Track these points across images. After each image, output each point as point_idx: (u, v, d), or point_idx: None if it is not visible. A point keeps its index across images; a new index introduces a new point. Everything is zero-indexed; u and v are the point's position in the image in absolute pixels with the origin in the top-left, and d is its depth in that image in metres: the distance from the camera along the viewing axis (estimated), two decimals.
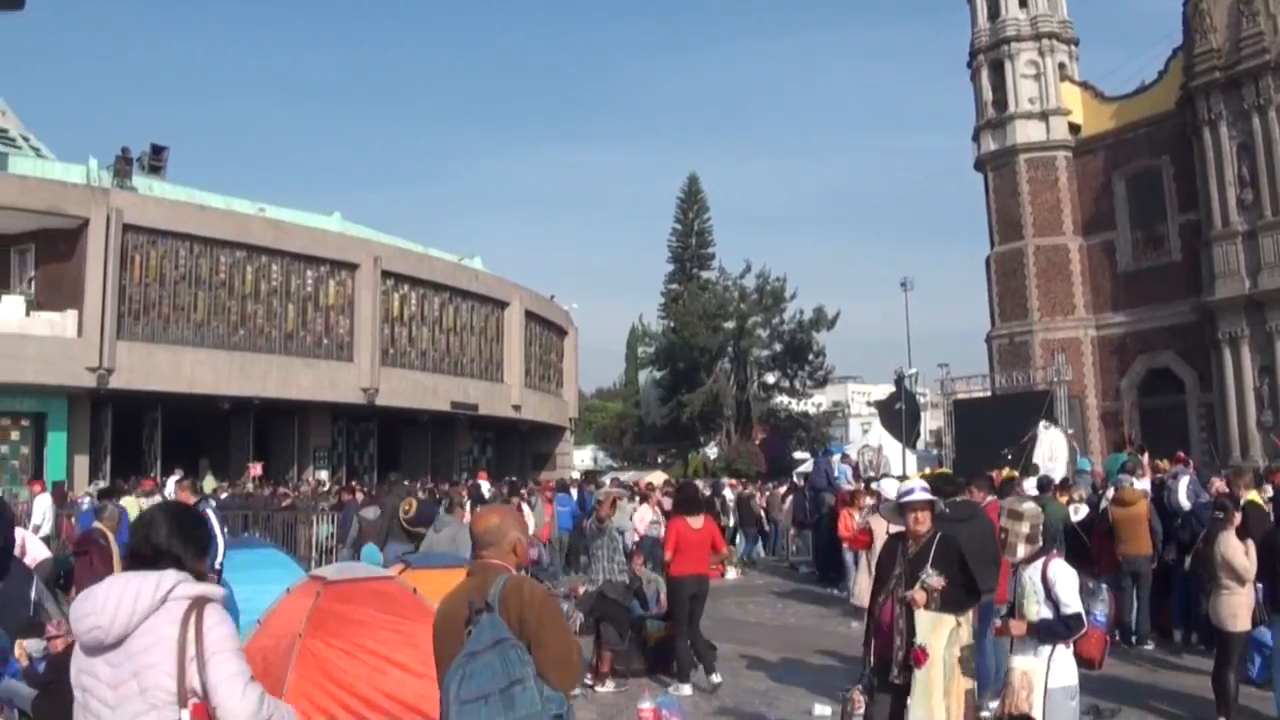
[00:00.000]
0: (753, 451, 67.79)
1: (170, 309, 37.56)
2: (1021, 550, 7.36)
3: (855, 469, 27.63)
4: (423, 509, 17.39)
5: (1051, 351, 46.25)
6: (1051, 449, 30.92)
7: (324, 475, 40.83)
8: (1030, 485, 18.24)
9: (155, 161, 40.90)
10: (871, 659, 7.80)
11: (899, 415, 39.64)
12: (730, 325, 72.63)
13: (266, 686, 7.59)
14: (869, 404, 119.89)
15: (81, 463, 35.62)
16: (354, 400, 42.01)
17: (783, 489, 33.44)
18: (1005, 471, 20.31)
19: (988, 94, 51.77)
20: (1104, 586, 8.02)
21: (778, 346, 74.64)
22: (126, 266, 36.34)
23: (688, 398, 72.73)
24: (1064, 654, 7.12)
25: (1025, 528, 7.37)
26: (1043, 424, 32.34)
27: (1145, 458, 21.66)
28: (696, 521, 12.67)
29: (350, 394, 41.63)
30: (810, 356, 74.68)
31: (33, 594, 12.24)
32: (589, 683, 12.07)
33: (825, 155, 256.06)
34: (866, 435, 50.11)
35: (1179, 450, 24.56)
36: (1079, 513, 16.07)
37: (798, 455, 67.56)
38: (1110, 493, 15.73)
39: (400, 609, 9.50)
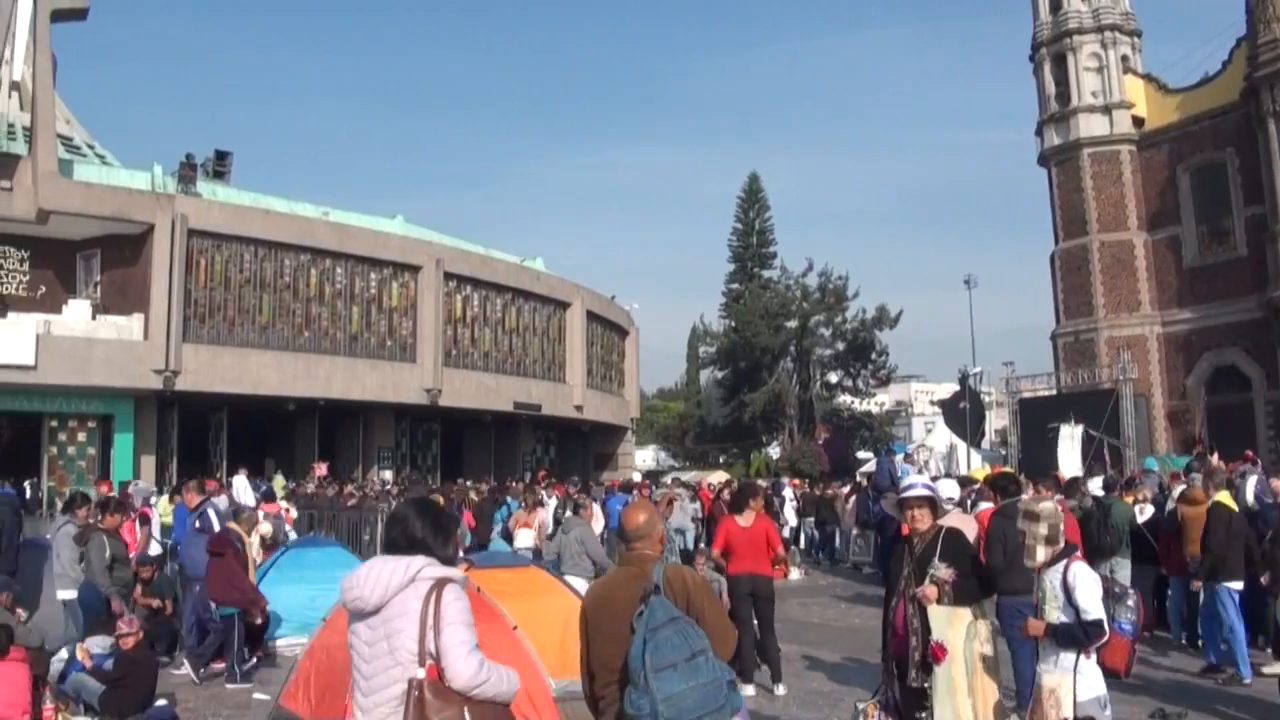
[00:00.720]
0: (815, 451, 67.15)
1: (235, 312, 37.90)
2: (1041, 553, 6.89)
3: (919, 469, 27.27)
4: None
5: (1117, 349, 45.39)
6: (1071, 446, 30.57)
7: (388, 475, 40.94)
8: (1096, 485, 17.83)
9: (219, 167, 41.20)
10: (893, 669, 7.41)
11: (963, 414, 39.04)
12: (792, 324, 72.10)
13: (329, 683, 8.89)
14: (933, 403, 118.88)
15: (148, 463, 35.94)
16: (417, 401, 42.11)
17: (845, 489, 33.06)
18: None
19: (1050, 88, 50.93)
20: (1132, 592, 7.20)
21: (840, 345, 73.97)
22: (192, 270, 36.72)
23: (750, 397, 72.28)
24: (1089, 664, 6.67)
25: (1043, 529, 6.88)
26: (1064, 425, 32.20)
27: (1215, 458, 21.15)
28: (745, 520, 12.33)
29: (414, 395, 41.73)
30: (873, 355, 73.92)
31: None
32: None
33: (887, 152, 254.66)
34: (930, 434, 49.41)
35: (1246, 449, 24.00)
36: (1144, 513, 15.64)
37: (861, 455, 66.87)
38: (1177, 492, 15.34)
39: None
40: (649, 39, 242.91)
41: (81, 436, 36.52)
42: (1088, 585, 6.64)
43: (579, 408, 50.02)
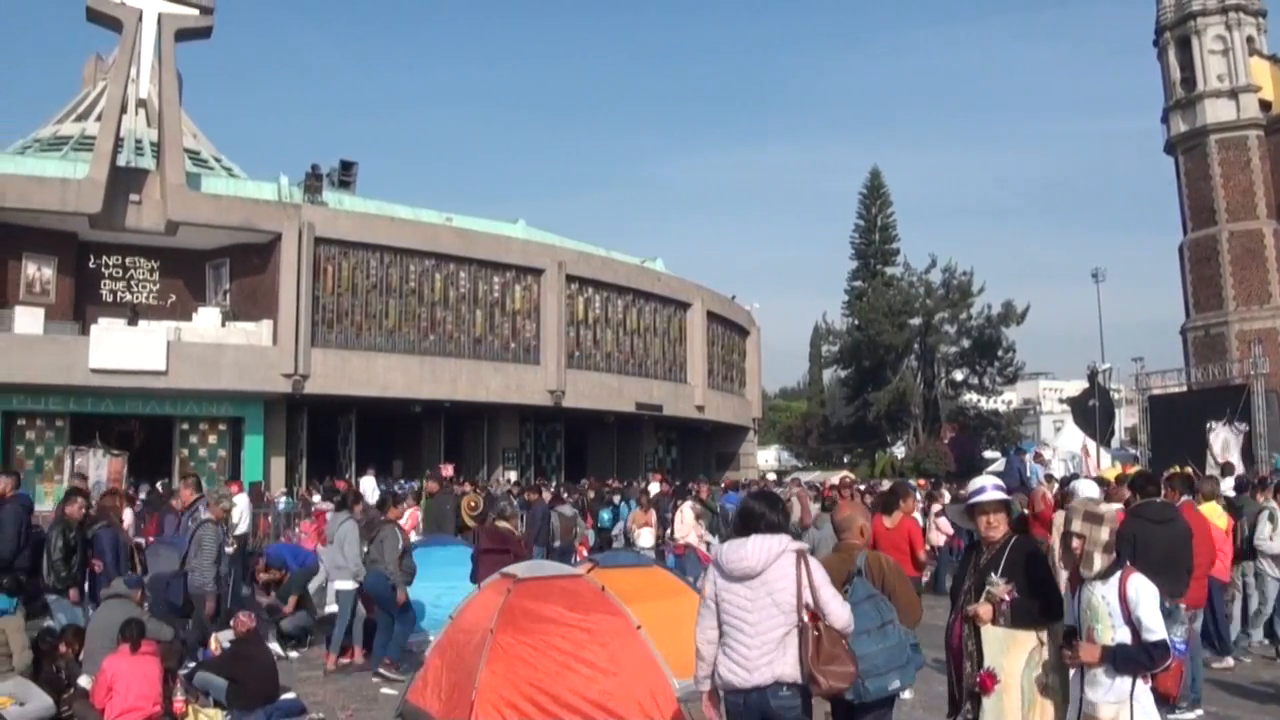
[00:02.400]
0: (941, 451, 65.86)
1: (362, 317, 38.35)
2: (1099, 562, 5.85)
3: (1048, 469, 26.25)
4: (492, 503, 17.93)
5: (1248, 343, 43.60)
6: (1224, 445, 29.28)
7: (513, 476, 40.86)
8: (1228, 485, 16.90)
9: (345, 177, 41.58)
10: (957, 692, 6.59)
11: (1093, 412, 37.76)
12: (916, 322, 70.74)
13: (457, 680, 9.20)
14: (1061, 401, 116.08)
15: (278, 464, 36.60)
16: (541, 402, 42.02)
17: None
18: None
19: (1175, 73, 49.24)
20: (1182, 608, 6.64)
21: (966, 342, 72.39)
22: (319, 277, 37.26)
23: (874, 396, 71.19)
24: (1145, 689, 5.75)
25: (1105, 534, 5.87)
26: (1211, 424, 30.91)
27: None
28: (891, 521, 12.26)
29: (537, 396, 41.66)
30: (999, 352, 72.21)
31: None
32: None
33: (1010, 143, 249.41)
34: (1059, 433, 47.98)
35: None
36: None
37: (988, 454, 65.42)
38: None
39: (588, 607, 9.61)
40: (767, 35, 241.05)
41: (212, 439, 37.34)
42: (1150, 600, 5.70)
43: (700, 408, 49.47)
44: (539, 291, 42.38)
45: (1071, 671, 5.93)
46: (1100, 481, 16.26)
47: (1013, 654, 6.10)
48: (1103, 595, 5.82)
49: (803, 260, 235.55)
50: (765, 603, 5.81)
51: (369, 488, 27.27)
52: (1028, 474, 23.31)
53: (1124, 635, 5.70)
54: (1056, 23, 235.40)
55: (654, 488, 25.89)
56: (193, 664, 11.48)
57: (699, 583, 15.59)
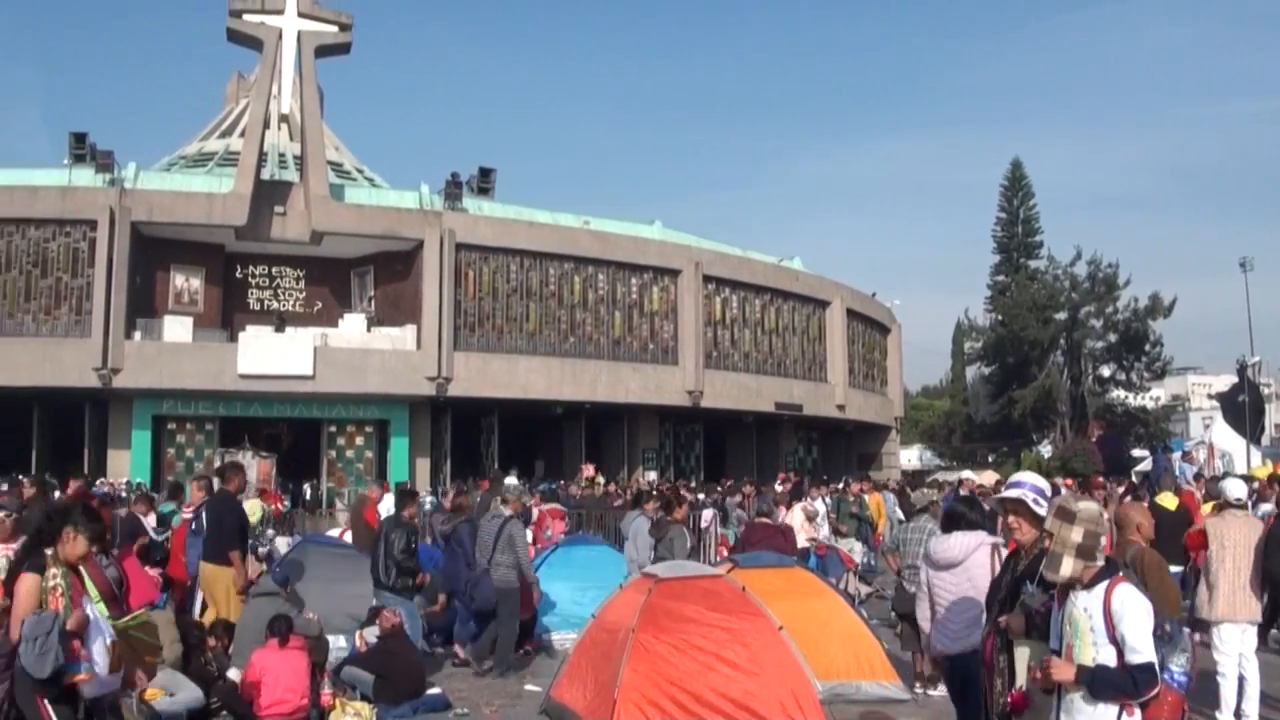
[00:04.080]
0: (1089, 450, 63.60)
1: (504, 320, 38.57)
2: (1068, 566, 4.85)
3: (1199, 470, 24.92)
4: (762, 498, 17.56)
5: None
6: None
7: (653, 476, 40.51)
8: None
9: (484, 184, 41.67)
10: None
11: (1242, 408, 36.00)
12: (1061, 316, 68.44)
13: (600, 678, 9.12)
14: (1210, 396, 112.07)
15: (423, 465, 37.12)
16: (680, 403, 41.60)
17: (1121, 489, 30.61)
18: None
19: None
20: (1185, 631, 5.30)
21: (1112, 337, 69.73)
22: (460, 282, 37.63)
23: (1018, 394, 69.16)
24: None
25: (1077, 535, 4.85)
26: None
27: None
28: None
29: (676, 397, 41.24)
30: (1147, 347, 69.44)
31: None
32: (919, 688, 10.84)
33: (1156, 129, 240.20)
34: (1208, 430, 45.94)
35: None
36: None
37: (1136, 453, 63.09)
38: None
39: (729, 607, 9.37)
40: (901, 25, 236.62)
41: (359, 440, 38.19)
42: (1138, 616, 4.72)
43: (841, 407, 48.48)
44: (676, 292, 41.98)
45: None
46: (1248, 480, 15.22)
47: None
48: (1085, 607, 4.84)
49: (944, 255, 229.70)
50: (966, 587, 6.97)
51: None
52: (1176, 473, 22.11)
53: (1107, 655, 4.75)
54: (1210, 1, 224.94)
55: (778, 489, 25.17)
56: (489, 663, 11.96)
57: (840, 584, 15.09)
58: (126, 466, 33.83)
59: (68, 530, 6.17)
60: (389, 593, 12.25)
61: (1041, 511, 5.52)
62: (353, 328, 37.34)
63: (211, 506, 12.57)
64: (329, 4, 38.58)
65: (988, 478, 39.60)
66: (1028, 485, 5.78)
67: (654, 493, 16.25)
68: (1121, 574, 4.92)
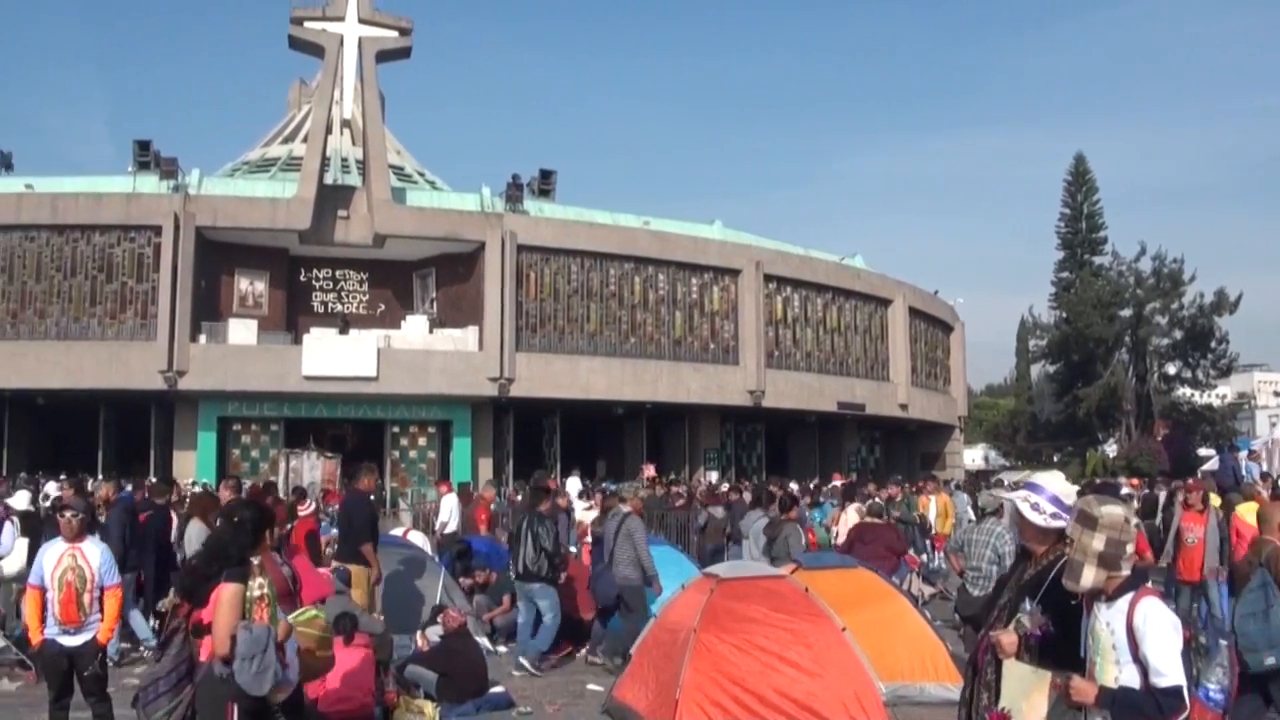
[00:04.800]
0: (1155, 449, 62.41)
1: (564, 321, 38.49)
2: (1089, 576, 4.41)
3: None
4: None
5: None
6: None
7: (714, 476, 40.22)
8: None
9: (544, 185, 41.59)
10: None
11: None
12: (1126, 313, 67.31)
13: (662, 678, 9.12)
14: (1277, 394, 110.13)
15: (485, 465, 37.04)
16: (741, 403, 41.16)
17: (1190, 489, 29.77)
18: None
19: None
20: (1223, 645, 4.83)
21: (1178, 334, 68.45)
22: (522, 284, 37.63)
23: (1083, 392, 68.13)
24: None
25: (1098, 542, 4.39)
26: None
27: None
28: None
29: (737, 396, 40.83)
30: (1213, 344, 68.19)
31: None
32: None
33: (1222, 120, 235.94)
34: (1275, 428, 44.76)
35: None
36: None
37: (1202, 452, 61.83)
38: None
39: (792, 608, 9.41)
40: (960, 20, 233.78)
41: (422, 441, 38.42)
42: (1163, 633, 4.27)
43: (904, 406, 47.78)
44: (737, 292, 41.57)
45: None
46: None
47: (1036, 698, 4.69)
48: (1107, 622, 4.42)
49: (1008, 252, 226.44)
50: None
51: (574, 489, 27.06)
52: (1242, 473, 21.47)
53: (1130, 676, 4.31)
54: None
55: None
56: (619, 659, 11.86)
57: (904, 585, 14.84)
58: (192, 467, 34.12)
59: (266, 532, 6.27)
60: (535, 582, 12.63)
61: (1038, 520, 5.02)
62: (415, 329, 37.52)
63: (344, 505, 13.18)
64: (389, 9, 38.82)
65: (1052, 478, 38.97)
66: (1046, 492, 5.11)
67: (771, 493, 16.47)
68: (1149, 585, 4.42)
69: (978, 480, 39.60)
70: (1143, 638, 4.26)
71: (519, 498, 29.18)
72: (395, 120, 54.74)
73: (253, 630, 5.77)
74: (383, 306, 40.48)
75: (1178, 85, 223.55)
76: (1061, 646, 4.73)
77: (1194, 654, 4.41)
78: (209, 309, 36.38)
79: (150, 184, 36.87)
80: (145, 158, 37.59)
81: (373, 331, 36.79)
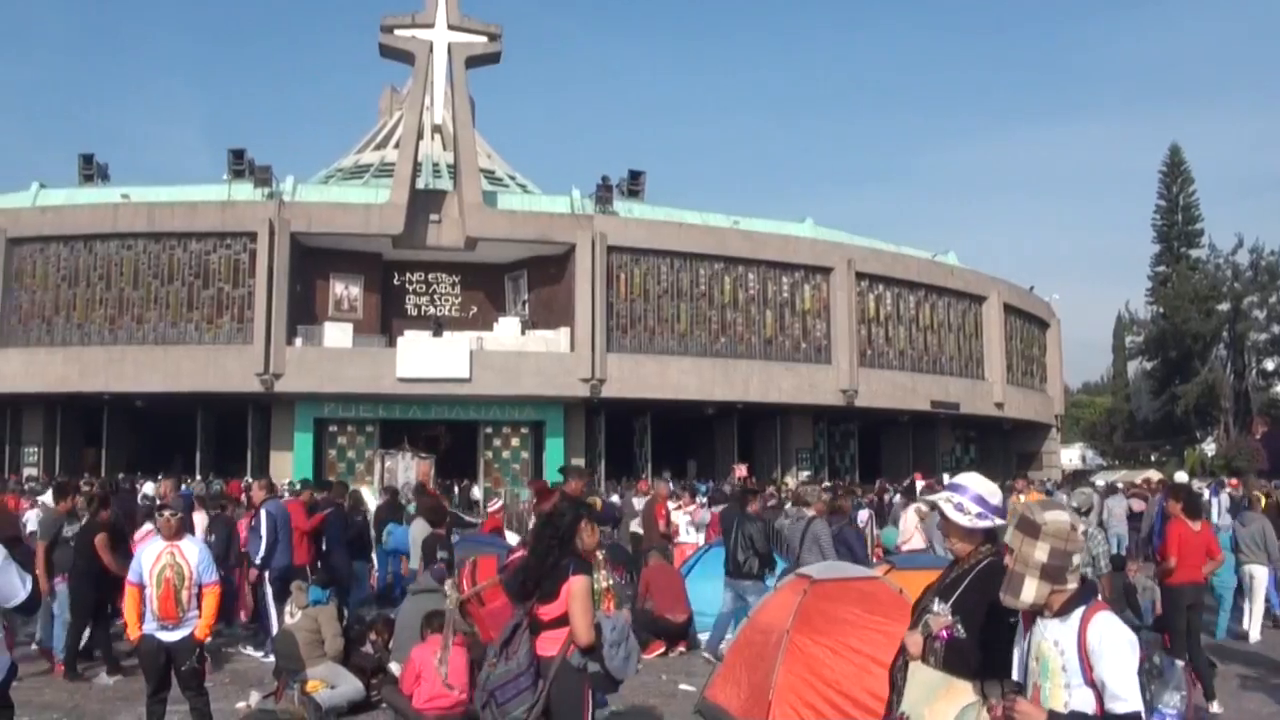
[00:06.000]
0: (1253, 448, 60.56)
1: (655, 321, 38.23)
2: (1030, 590, 3.88)
3: None
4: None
5: None
6: None
7: (805, 476, 39.59)
8: None
9: (634, 186, 41.41)
10: None
11: None
12: (1224, 307, 65.47)
13: (755, 679, 8.98)
14: None
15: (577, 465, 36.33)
16: (833, 402, 40.48)
17: None
18: None
19: None
20: (1178, 665, 4.07)
21: (1276, 329, 66.42)
22: (612, 285, 37.45)
23: (1181, 389, 66.40)
24: None
25: (1041, 552, 3.85)
26: None
27: None
28: (1196, 525, 11.29)
29: (830, 396, 40.15)
30: None
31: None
32: None
33: None
34: None
35: None
36: None
37: None
38: None
39: (886, 609, 9.05)
40: (1050, 7, 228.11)
41: (515, 442, 38.42)
42: (1120, 653, 3.72)
43: (999, 405, 46.64)
44: (828, 290, 40.89)
45: None
46: None
47: (939, 706, 4.37)
48: (1056, 641, 3.87)
49: (1104, 246, 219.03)
50: None
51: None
52: None
53: (1082, 700, 3.78)
54: None
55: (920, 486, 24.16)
56: None
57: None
58: (289, 468, 34.42)
59: (585, 523, 6.42)
60: (746, 580, 12.63)
61: (963, 520, 4.62)
62: (507, 331, 37.53)
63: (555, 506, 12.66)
64: (478, 15, 38.77)
65: (1151, 477, 37.72)
66: (969, 492, 4.70)
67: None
68: (1099, 599, 3.85)
69: (1075, 480, 38.51)
70: (1098, 658, 3.73)
71: (616, 499, 28.98)
72: (485, 123, 54.78)
73: (614, 620, 6.16)
74: (475, 309, 40.55)
75: (1273, 70, 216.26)
76: (972, 653, 4.35)
77: (1147, 675, 3.84)
78: (305, 313, 36.76)
79: (245, 192, 37.40)
80: (240, 166, 38.06)
81: (465, 334, 36.92)
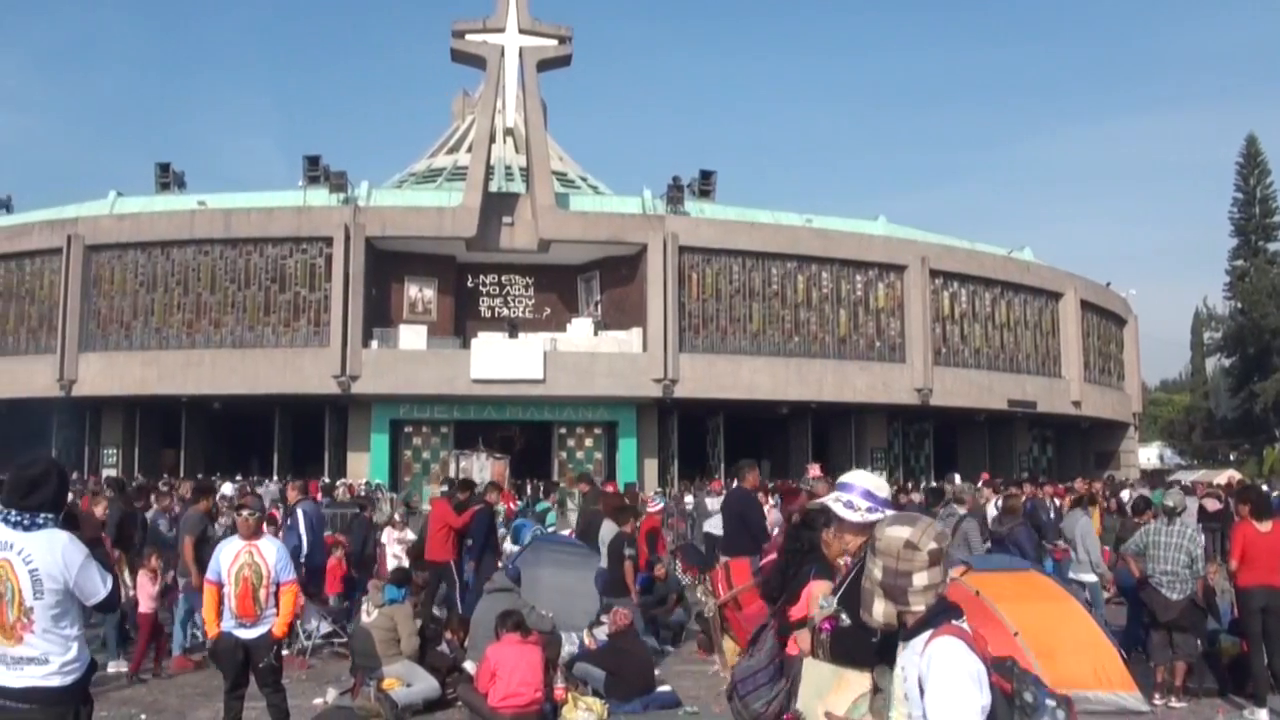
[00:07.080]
0: None
1: (727, 321, 37.91)
2: (879, 609, 3.45)
3: None
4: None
5: None
6: None
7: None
8: None
9: (705, 186, 41.07)
10: None
11: None
12: None
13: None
14: None
15: (650, 466, 36.96)
16: (908, 401, 39.85)
17: None
18: None
19: None
20: (1049, 703, 3.48)
21: None
22: (684, 285, 37.21)
23: (1260, 386, 64.63)
24: None
25: (876, 570, 3.45)
26: None
27: None
28: (1265, 526, 10.63)
29: (904, 395, 39.51)
30: None
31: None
32: (1158, 699, 10.33)
33: None
34: None
35: None
36: None
37: None
38: None
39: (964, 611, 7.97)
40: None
41: (589, 442, 38.39)
42: (948, 683, 3.20)
43: (1076, 403, 45.56)
44: (902, 288, 40.25)
45: None
46: None
47: (834, 699, 4.16)
48: (903, 666, 3.43)
49: (1182, 240, 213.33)
50: None
51: None
52: None
53: None
54: None
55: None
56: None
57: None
58: (365, 468, 34.66)
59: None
60: None
61: (854, 517, 4.49)
62: (580, 332, 37.40)
63: (731, 502, 12.80)
64: (549, 17, 38.60)
65: (1225, 478, 36.56)
66: (856, 489, 4.56)
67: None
68: (953, 623, 3.39)
69: (1154, 480, 37.47)
70: (926, 687, 3.26)
71: (687, 497, 28.64)
72: (556, 126, 54.71)
73: None
74: (548, 310, 40.46)
75: None
76: (859, 642, 4.05)
77: (1019, 712, 3.38)
78: (380, 316, 36.90)
79: (320, 197, 37.51)
80: (315, 172, 38.14)
81: (539, 335, 36.83)
